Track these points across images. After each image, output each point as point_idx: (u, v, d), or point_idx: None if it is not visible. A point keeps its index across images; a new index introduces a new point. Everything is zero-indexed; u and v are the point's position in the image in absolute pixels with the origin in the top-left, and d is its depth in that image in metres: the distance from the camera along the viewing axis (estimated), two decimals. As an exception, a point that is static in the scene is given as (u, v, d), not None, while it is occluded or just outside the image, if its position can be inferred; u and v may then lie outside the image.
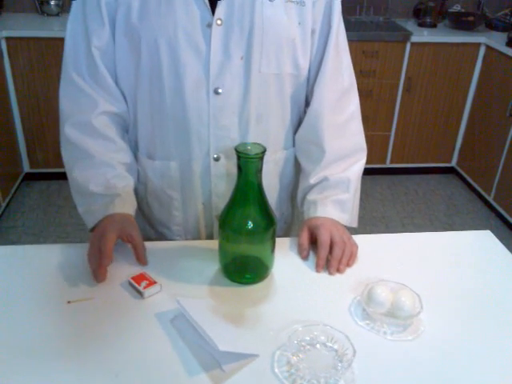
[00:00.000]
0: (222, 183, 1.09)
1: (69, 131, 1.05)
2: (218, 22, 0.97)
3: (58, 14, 3.16)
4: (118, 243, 0.98)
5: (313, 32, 1.05)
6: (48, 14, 3.15)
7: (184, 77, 0.99)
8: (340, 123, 1.11)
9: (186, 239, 1.16)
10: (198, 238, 1.16)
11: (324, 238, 1.01)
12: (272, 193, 1.15)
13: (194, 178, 1.09)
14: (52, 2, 3.12)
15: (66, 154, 1.08)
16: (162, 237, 1.17)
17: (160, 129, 1.05)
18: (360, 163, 1.14)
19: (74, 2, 1.02)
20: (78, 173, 1.04)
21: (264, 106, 1.06)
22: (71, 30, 1.03)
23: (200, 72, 0.99)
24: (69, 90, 1.05)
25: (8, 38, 2.82)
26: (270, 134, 1.10)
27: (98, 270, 0.94)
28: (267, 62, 1.01)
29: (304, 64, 1.06)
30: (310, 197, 1.09)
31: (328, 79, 1.08)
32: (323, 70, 1.07)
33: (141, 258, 0.98)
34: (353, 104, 1.13)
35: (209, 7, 0.96)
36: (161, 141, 1.06)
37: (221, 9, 0.97)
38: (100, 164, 1.03)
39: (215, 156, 1.06)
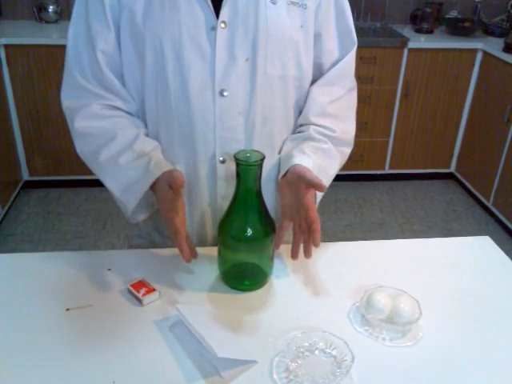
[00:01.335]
0: (228, 185, 1.09)
1: (80, 125, 1.04)
2: (222, 25, 0.98)
3: (56, 21, 3.17)
4: (115, 253, 0.98)
5: (318, 35, 1.07)
6: (46, 22, 3.16)
7: (189, 79, 1.00)
8: (343, 115, 1.14)
9: (192, 242, 1.16)
10: (203, 240, 1.16)
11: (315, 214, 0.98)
12: (273, 194, 1.15)
13: (200, 180, 1.09)
14: (50, 10, 3.14)
15: (84, 148, 1.06)
16: (167, 240, 1.17)
17: (166, 132, 1.06)
18: (346, 157, 1.16)
19: (75, 5, 1.02)
20: (103, 156, 1.02)
21: (269, 108, 1.06)
22: (73, 33, 1.02)
23: (205, 74, 1.00)
24: (73, 92, 1.05)
25: (6, 46, 2.83)
26: (275, 136, 1.10)
27: (182, 253, 0.95)
28: (272, 63, 1.02)
29: (307, 66, 1.08)
30: (305, 148, 1.06)
31: (343, 74, 1.12)
32: (340, 68, 1.10)
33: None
34: (355, 100, 1.18)
35: (212, 10, 0.97)
36: (167, 144, 1.06)
37: (225, 12, 0.97)
38: (122, 138, 1.02)
39: (221, 158, 1.06)
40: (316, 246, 0.95)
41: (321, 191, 0.96)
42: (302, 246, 1.00)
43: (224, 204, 1.10)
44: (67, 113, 1.07)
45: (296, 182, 0.99)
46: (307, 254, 0.98)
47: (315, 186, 0.95)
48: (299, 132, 1.12)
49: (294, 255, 1.01)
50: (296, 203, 0.99)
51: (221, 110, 1.02)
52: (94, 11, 0.99)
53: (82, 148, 1.06)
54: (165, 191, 0.95)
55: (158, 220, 1.15)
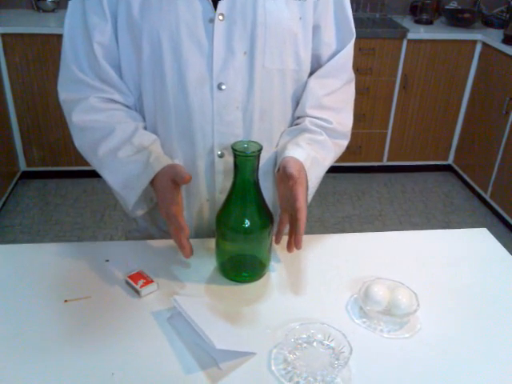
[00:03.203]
0: (226, 179, 1.08)
1: (77, 119, 1.03)
2: (220, 17, 0.96)
3: (53, 10, 3.15)
4: (113, 245, 0.98)
5: (317, 27, 1.06)
6: (44, 10, 3.14)
7: (187, 72, 0.99)
8: (339, 108, 1.14)
9: (190, 237, 1.16)
10: (201, 234, 1.16)
11: (303, 204, 0.97)
12: (271, 188, 1.15)
13: (199, 175, 1.08)
14: (48, -1, 3.12)
15: (82, 142, 1.05)
16: (165, 235, 1.17)
17: (163, 125, 1.05)
18: (342, 149, 1.16)
19: None
20: (102, 150, 1.01)
21: (267, 102, 1.06)
22: (69, 25, 1.01)
23: (203, 68, 0.99)
24: (70, 84, 1.04)
25: (3, 35, 2.81)
26: (273, 130, 1.10)
27: (181, 249, 0.96)
28: (270, 57, 1.01)
29: (305, 59, 1.07)
30: (300, 141, 1.06)
31: (341, 66, 1.11)
32: (338, 60, 1.10)
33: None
34: (353, 93, 1.17)
35: (210, 2, 0.96)
36: (164, 138, 1.06)
37: (223, 4, 0.96)
38: (121, 132, 1.01)
39: (219, 153, 1.06)
40: (298, 234, 0.94)
41: (292, 180, 0.94)
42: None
43: (222, 198, 1.09)
44: (64, 106, 1.06)
45: (284, 173, 0.98)
46: (296, 244, 0.96)
47: (288, 175, 0.94)
48: (296, 124, 1.12)
49: (289, 247, 1.01)
50: (287, 195, 0.99)
51: (219, 103, 1.01)
52: (90, 2, 0.98)
53: (80, 142, 1.06)
54: (166, 185, 0.94)
55: (156, 215, 1.14)
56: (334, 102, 1.12)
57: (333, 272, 1.03)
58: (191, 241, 0.97)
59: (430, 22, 3.32)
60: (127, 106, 1.06)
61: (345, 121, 1.14)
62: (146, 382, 0.78)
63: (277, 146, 1.11)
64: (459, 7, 3.44)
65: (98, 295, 0.94)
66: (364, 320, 0.91)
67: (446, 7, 3.43)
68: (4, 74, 2.91)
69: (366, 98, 3.22)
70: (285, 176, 0.97)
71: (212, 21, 0.96)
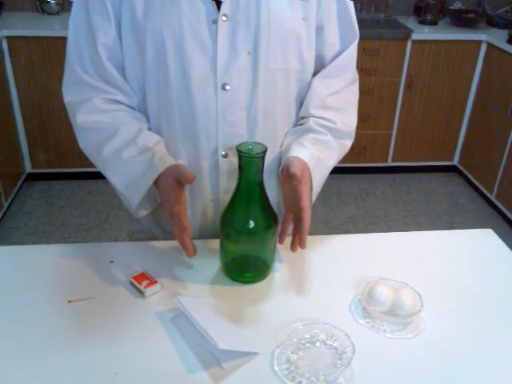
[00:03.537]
0: (230, 179, 1.08)
1: (82, 120, 1.03)
2: (224, 18, 0.97)
3: (58, 13, 3.16)
4: (117, 246, 0.98)
5: (320, 28, 1.06)
6: (48, 13, 3.16)
7: (191, 73, 0.99)
8: (343, 108, 1.14)
9: (194, 237, 1.16)
10: (205, 234, 1.16)
11: (308, 204, 0.98)
12: (275, 188, 1.15)
13: (203, 175, 1.08)
14: (52, 1, 3.13)
15: (87, 143, 1.05)
16: (169, 236, 1.17)
17: (167, 126, 1.05)
18: (346, 150, 1.16)
19: None
20: (106, 151, 1.02)
21: (271, 103, 1.06)
22: (74, 27, 1.02)
23: (207, 68, 0.99)
24: (75, 86, 1.04)
25: (9, 38, 2.82)
26: (277, 130, 1.10)
27: (184, 248, 0.96)
28: (274, 57, 1.02)
29: (309, 59, 1.07)
30: (304, 141, 1.06)
31: (344, 66, 1.11)
32: (342, 60, 1.10)
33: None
34: (357, 93, 1.17)
35: (214, 3, 0.96)
36: (169, 138, 1.06)
37: (226, 4, 0.96)
38: (125, 132, 1.01)
39: (223, 153, 1.06)
40: (302, 234, 0.94)
41: (295, 179, 0.94)
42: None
43: (226, 199, 1.09)
44: (69, 107, 1.06)
45: (288, 173, 0.98)
46: (300, 243, 0.96)
47: (291, 175, 0.94)
48: (300, 125, 1.12)
49: (293, 247, 1.01)
50: (291, 194, 0.99)
51: (223, 104, 1.02)
52: (94, 4, 0.98)
53: (84, 143, 1.06)
54: (169, 185, 0.95)
55: (160, 215, 1.15)
56: (338, 102, 1.12)
57: (336, 272, 1.03)
58: (195, 241, 0.98)
59: (434, 23, 3.31)
60: (131, 107, 1.07)
61: (349, 121, 1.14)
62: (149, 381, 0.78)
63: (281, 146, 1.11)
64: (463, 7, 3.44)
65: (102, 296, 0.94)
66: (367, 320, 0.91)
67: (451, 7, 3.43)
68: (9, 76, 2.92)
69: (371, 98, 3.22)
70: (288, 176, 0.97)
71: (215, 21, 0.97)
